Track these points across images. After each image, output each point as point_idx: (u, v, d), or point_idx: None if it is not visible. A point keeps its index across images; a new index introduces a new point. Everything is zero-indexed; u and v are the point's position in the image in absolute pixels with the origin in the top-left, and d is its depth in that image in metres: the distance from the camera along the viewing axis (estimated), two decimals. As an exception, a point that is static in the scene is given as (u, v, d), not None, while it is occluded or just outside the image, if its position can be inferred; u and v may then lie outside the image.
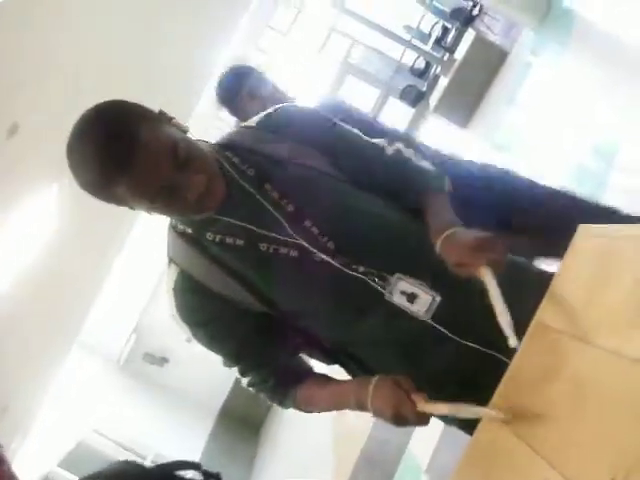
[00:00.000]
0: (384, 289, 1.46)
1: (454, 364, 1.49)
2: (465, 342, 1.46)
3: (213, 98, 2.72)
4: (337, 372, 1.67)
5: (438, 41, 10.09)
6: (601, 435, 0.99)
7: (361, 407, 1.47)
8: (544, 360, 1.22)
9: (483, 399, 1.35)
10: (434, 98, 8.70)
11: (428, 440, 4.66)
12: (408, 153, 1.60)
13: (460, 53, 8.42)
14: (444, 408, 1.37)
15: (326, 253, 1.45)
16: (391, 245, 1.49)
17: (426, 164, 1.60)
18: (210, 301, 1.52)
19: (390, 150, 1.59)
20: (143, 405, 13.17)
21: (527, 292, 1.35)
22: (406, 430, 5.31)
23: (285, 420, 13.15)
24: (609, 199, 3.49)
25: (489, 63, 7.53)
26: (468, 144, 7.43)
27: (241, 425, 14.64)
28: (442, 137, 8.09)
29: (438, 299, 1.45)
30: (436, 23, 10.38)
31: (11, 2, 2.99)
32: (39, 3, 3.33)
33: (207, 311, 1.54)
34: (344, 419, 8.06)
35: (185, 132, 1.47)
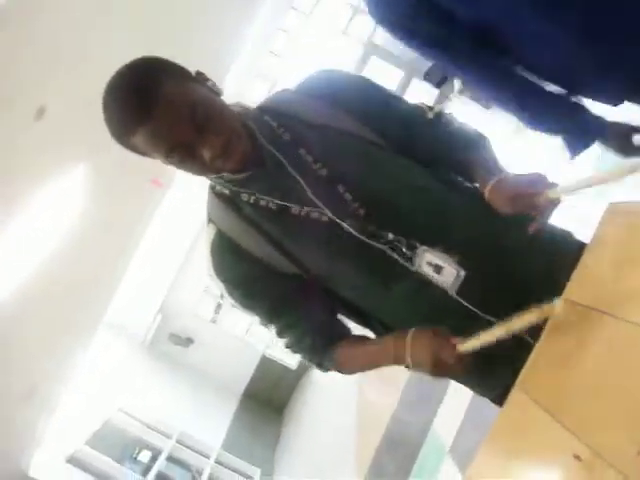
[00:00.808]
0: (412, 258, 1.46)
1: None
2: (491, 319, 1.45)
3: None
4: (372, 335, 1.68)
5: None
6: (629, 408, 1.00)
7: (399, 360, 1.45)
8: (572, 335, 1.23)
9: (508, 376, 1.36)
10: (459, 80, 8.63)
11: (452, 420, 4.68)
12: (449, 116, 1.61)
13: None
14: (487, 336, 1.31)
15: (356, 219, 1.46)
16: (422, 215, 1.49)
17: (467, 127, 1.61)
18: (245, 262, 1.54)
19: (431, 114, 1.60)
20: (168, 385, 13.28)
21: (565, 266, 1.35)
22: (430, 410, 5.33)
23: (308, 401, 13.21)
24: (635, 180, 3.46)
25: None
26: (491, 126, 7.38)
27: (265, 406, 14.73)
28: (466, 119, 8.01)
29: (462, 274, 1.45)
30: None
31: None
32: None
33: (242, 271, 1.57)
34: (368, 399, 8.09)
35: (219, 95, 1.48)
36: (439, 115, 1.60)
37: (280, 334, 1.63)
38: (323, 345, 1.62)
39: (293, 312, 1.59)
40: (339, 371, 1.65)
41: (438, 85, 9.74)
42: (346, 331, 1.66)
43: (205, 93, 1.44)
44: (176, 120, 1.36)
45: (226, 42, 8.55)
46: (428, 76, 9.72)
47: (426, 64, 9.94)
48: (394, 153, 1.54)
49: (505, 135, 6.58)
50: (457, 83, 8.61)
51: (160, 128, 1.36)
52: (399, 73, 10.80)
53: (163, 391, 12.88)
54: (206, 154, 1.39)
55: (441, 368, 1.38)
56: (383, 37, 11.43)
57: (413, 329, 1.45)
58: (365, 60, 10.39)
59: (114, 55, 1.38)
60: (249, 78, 13.10)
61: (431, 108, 1.61)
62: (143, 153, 1.44)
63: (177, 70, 1.44)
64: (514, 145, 6.19)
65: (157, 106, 1.34)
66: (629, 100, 1.87)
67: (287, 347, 1.65)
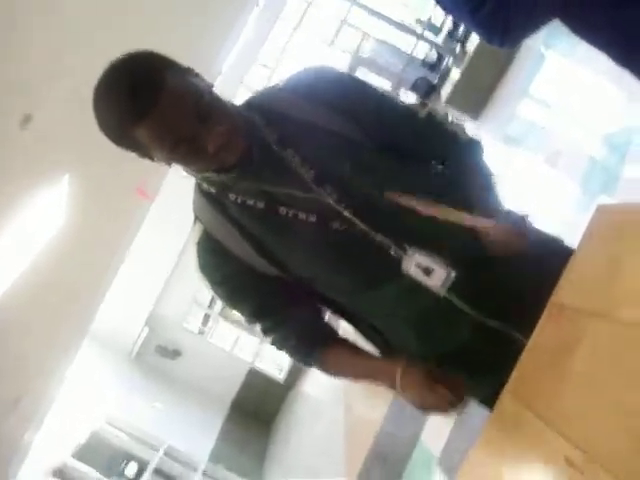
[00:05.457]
0: (401, 259, 1.45)
1: (470, 342, 1.48)
2: (482, 319, 1.45)
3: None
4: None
5: (450, 33, 10.03)
6: (622, 409, 0.99)
7: (389, 387, 1.48)
8: (561, 338, 1.22)
9: (499, 377, 1.35)
10: (446, 90, 8.67)
11: (440, 431, 4.66)
12: (441, 116, 1.60)
13: (472, 45, 8.35)
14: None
15: (344, 220, 1.45)
16: (411, 216, 1.46)
17: (459, 128, 1.60)
18: (230, 262, 1.54)
19: (423, 113, 1.58)
20: (155, 397, 13.22)
21: (554, 270, 1.34)
22: (418, 421, 5.31)
23: (296, 413, 13.18)
24: (622, 191, 3.47)
25: (501, 55, 7.47)
26: (480, 137, 7.40)
27: (253, 418, 14.67)
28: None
29: (453, 274, 1.43)
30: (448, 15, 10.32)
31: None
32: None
33: (225, 271, 1.56)
34: (355, 411, 8.07)
35: (211, 88, 1.47)
36: (431, 114, 1.59)
37: (265, 333, 1.63)
38: (307, 346, 1.61)
39: (278, 313, 1.59)
40: (322, 372, 1.66)
41: (425, 96, 9.78)
42: (333, 333, 1.65)
43: (204, 85, 1.43)
44: (182, 112, 1.34)
45: (212, 53, 8.56)
46: (416, 87, 9.77)
47: (414, 75, 10.00)
48: (384, 153, 1.52)
49: (493, 146, 6.61)
50: (444, 94, 8.64)
51: (166, 120, 1.33)
52: (387, 84, 10.83)
53: (150, 403, 12.82)
54: (210, 146, 1.38)
55: (429, 410, 1.44)
56: (371, 49, 11.49)
57: (404, 363, 1.46)
58: (352, 71, 10.41)
59: (103, 64, 1.35)
60: (235, 89, 13.11)
61: (424, 105, 1.60)
62: (143, 149, 1.40)
63: (175, 63, 1.42)
64: (502, 155, 6.21)
65: (162, 98, 1.32)
66: None
67: (272, 344, 1.65)
